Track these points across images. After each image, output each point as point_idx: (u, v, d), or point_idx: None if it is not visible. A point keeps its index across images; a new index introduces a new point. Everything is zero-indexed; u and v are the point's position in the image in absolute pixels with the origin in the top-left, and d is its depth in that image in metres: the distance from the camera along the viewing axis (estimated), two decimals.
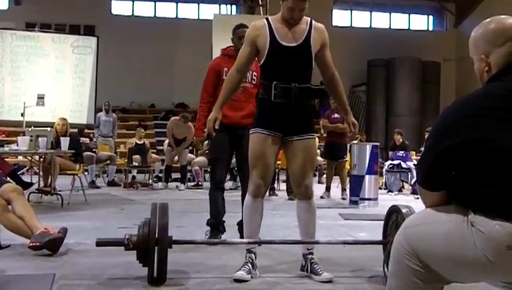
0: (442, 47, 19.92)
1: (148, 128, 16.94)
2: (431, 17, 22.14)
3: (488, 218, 1.61)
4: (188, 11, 20.37)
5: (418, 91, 18.56)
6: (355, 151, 8.16)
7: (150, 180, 10.56)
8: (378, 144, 8.71)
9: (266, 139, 3.37)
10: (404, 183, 10.69)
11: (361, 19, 21.51)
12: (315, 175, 11.93)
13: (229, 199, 4.78)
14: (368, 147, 8.09)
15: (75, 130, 10.46)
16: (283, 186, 10.17)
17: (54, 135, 7.75)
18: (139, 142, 11.06)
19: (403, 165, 10.49)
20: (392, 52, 18.58)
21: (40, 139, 6.67)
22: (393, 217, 3.43)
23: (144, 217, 3.24)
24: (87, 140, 11.45)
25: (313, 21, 3.43)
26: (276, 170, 9.84)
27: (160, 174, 11.22)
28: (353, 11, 21.45)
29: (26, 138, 6.77)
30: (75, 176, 7.73)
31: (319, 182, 11.74)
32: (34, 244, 3.89)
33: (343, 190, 8.88)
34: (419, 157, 2.17)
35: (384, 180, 10.58)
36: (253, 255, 3.43)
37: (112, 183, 10.59)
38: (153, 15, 20.18)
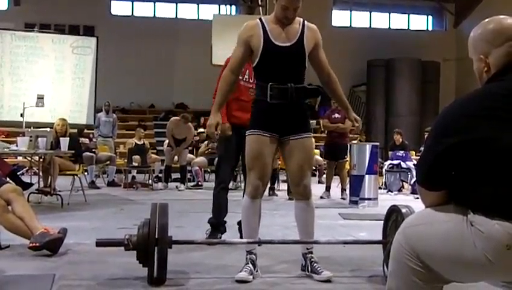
0: (441, 47, 19.92)
1: (148, 128, 16.94)
2: (430, 17, 22.14)
3: (488, 218, 1.61)
4: (187, 12, 20.37)
5: (417, 91, 18.57)
6: (355, 151, 8.16)
7: (150, 181, 10.56)
8: (377, 143, 8.71)
9: (263, 140, 3.37)
10: (403, 183, 10.69)
11: (360, 19, 21.51)
12: (315, 175, 11.94)
13: (229, 199, 4.78)
14: (368, 147, 8.09)
15: (75, 131, 10.45)
16: (283, 186, 10.17)
17: (54, 135, 7.76)
18: (138, 142, 11.06)
19: (403, 165, 10.50)
20: (392, 52, 18.59)
21: (39, 139, 6.67)
22: (393, 217, 3.44)
23: (144, 218, 3.24)
24: (86, 140, 11.46)
25: (306, 21, 3.42)
26: (276, 170, 9.84)
27: (160, 175, 11.22)
28: (353, 12, 21.45)
29: (25, 138, 6.77)
30: (75, 177, 7.74)
31: (319, 182, 11.75)
32: (33, 244, 3.89)
33: (343, 189, 8.88)
34: (418, 157, 2.17)
35: (384, 180, 10.59)
36: (253, 256, 3.43)
37: (111, 184, 10.59)
38: (152, 15, 20.18)
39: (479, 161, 1.66)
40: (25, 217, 4.04)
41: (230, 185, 9.76)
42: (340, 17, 21.12)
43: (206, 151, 11.19)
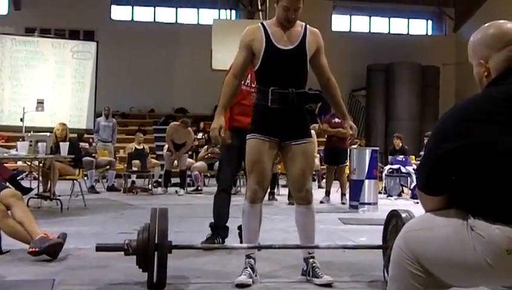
0: (441, 52, 19.94)
1: (148, 133, 16.95)
2: (430, 21, 22.17)
3: (488, 222, 1.61)
4: (187, 16, 20.40)
5: (417, 95, 18.57)
6: (355, 156, 8.16)
7: (150, 185, 10.55)
8: (377, 148, 8.71)
9: (263, 144, 3.36)
10: (403, 187, 10.68)
11: (360, 23, 21.54)
12: (314, 180, 11.93)
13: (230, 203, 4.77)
14: (368, 152, 8.09)
15: (75, 135, 10.45)
16: (283, 191, 10.17)
17: (54, 140, 7.75)
18: (138, 147, 11.06)
19: (403, 169, 10.50)
20: (392, 56, 18.61)
21: (39, 144, 6.67)
22: (393, 222, 3.43)
23: (144, 222, 3.24)
24: (86, 145, 11.45)
25: (308, 25, 3.42)
26: (277, 175, 9.84)
27: (160, 179, 11.22)
28: (352, 16, 21.48)
29: (25, 143, 6.76)
30: (75, 181, 7.73)
31: (319, 186, 11.74)
32: (33, 249, 3.89)
33: (343, 194, 8.87)
34: (418, 162, 2.17)
35: (383, 185, 10.58)
36: (252, 260, 3.42)
37: (111, 189, 10.58)
38: (152, 20, 20.22)
39: (479, 165, 1.66)
40: (25, 222, 4.03)
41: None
42: (340, 22, 21.15)
43: (205, 156, 11.20)
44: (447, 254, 1.68)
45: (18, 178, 9.04)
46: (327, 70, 3.49)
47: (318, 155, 11.78)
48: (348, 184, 8.69)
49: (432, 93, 18.92)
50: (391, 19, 21.77)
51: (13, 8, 18.60)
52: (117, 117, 15.53)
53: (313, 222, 3.50)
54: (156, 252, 3.06)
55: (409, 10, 21.48)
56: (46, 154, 6.74)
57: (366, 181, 7.88)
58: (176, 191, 10.25)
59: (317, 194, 8.81)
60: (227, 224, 4.64)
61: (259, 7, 15.30)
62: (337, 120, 8.75)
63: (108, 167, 10.89)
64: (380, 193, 9.35)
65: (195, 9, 20.41)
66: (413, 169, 10.09)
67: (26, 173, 10.99)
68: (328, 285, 3.32)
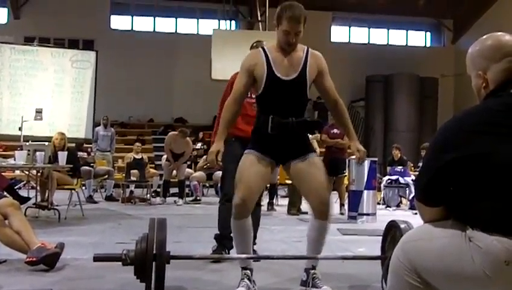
0: (440, 63, 20.01)
1: (147, 142, 16.94)
2: (429, 33, 22.26)
3: (486, 233, 1.62)
4: (187, 26, 20.46)
5: (416, 107, 18.61)
6: (354, 167, 8.15)
7: (148, 195, 10.53)
8: (376, 159, 8.71)
9: (259, 163, 3.33)
10: (402, 198, 10.69)
11: (359, 35, 21.62)
12: None
13: None
14: (366, 163, 8.07)
15: (73, 145, 10.45)
16: (282, 201, 10.16)
17: (52, 149, 7.75)
18: (137, 156, 11.05)
19: (401, 180, 10.50)
20: (391, 68, 18.66)
21: (37, 153, 6.66)
22: (392, 233, 3.42)
23: (142, 233, 3.22)
24: (85, 154, 11.44)
25: (310, 49, 3.40)
26: (275, 186, 9.83)
27: (158, 189, 11.20)
28: (351, 27, 21.57)
29: (23, 152, 6.75)
30: (73, 191, 7.71)
31: None
32: (30, 259, 3.87)
33: (342, 205, 8.87)
34: (417, 173, 2.17)
35: (382, 196, 10.57)
36: (249, 271, 3.40)
37: (109, 198, 10.56)
38: (152, 30, 20.28)
39: (477, 176, 1.66)
40: (22, 231, 4.02)
41: None
42: (339, 33, 21.23)
43: (204, 166, 11.17)
44: (445, 264, 1.68)
45: (16, 187, 9.02)
46: (333, 93, 3.44)
47: None
48: (346, 195, 8.68)
49: (430, 104, 18.96)
50: (390, 30, 21.85)
51: (13, 17, 18.66)
52: (116, 126, 15.54)
53: (325, 238, 3.45)
54: (154, 263, 3.05)
55: (408, 22, 21.57)
56: (44, 163, 6.73)
57: (365, 192, 7.87)
58: (175, 201, 10.23)
59: None
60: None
61: (259, 18, 15.39)
62: (335, 131, 8.76)
63: (106, 176, 10.87)
64: (378, 203, 9.34)
65: (195, 20, 20.47)
66: (412, 180, 10.09)
67: (24, 182, 10.96)
68: None
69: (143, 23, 20.29)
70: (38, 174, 7.28)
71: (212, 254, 4.42)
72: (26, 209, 6.75)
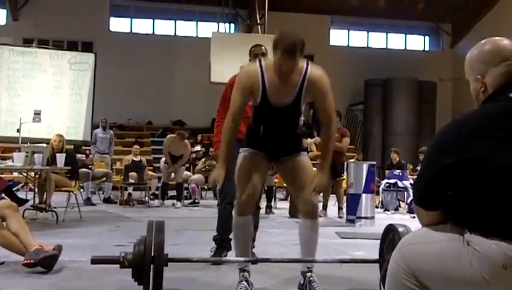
0: (438, 67, 20.06)
1: (145, 145, 16.93)
2: (427, 37, 22.32)
3: (484, 237, 1.62)
4: (186, 29, 20.48)
5: (414, 111, 18.66)
6: (352, 170, 8.16)
7: (146, 198, 10.53)
8: (374, 162, 8.70)
9: (254, 158, 3.38)
10: (400, 202, 10.69)
11: (358, 38, 21.67)
12: None
13: None
14: (365, 166, 8.09)
15: (72, 147, 10.43)
16: (280, 204, 10.15)
17: (50, 151, 7.73)
18: (135, 159, 11.03)
19: (400, 184, 10.50)
20: (389, 71, 18.70)
21: (35, 155, 6.65)
22: (390, 236, 3.42)
23: (140, 235, 3.22)
24: (83, 157, 11.43)
25: (309, 69, 3.23)
26: (273, 188, 9.84)
27: (157, 192, 11.19)
28: (350, 31, 21.61)
29: (21, 154, 6.74)
30: (71, 193, 7.70)
31: None
32: (28, 261, 3.86)
33: (340, 208, 8.87)
34: (415, 176, 2.17)
35: (380, 199, 10.57)
36: (246, 273, 3.40)
37: (107, 201, 10.55)
38: (151, 32, 20.30)
39: (475, 180, 1.66)
40: (20, 233, 4.01)
41: None
42: (338, 37, 21.27)
43: (203, 169, 11.19)
44: (443, 268, 1.68)
45: (14, 189, 9.00)
46: (329, 115, 3.34)
47: (315, 169, 11.77)
48: (345, 198, 8.68)
49: (428, 108, 19.00)
50: (389, 34, 21.91)
51: (11, 19, 18.66)
52: (114, 129, 15.52)
53: (316, 238, 3.47)
54: (152, 265, 3.04)
55: (407, 26, 21.63)
56: (42, 165, 6.72)
57: (363, 195, 7.87)
58: (173, 204, 10.22)
59: None
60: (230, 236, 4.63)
61: (258, 21, 15.39)
62: None
63: (104, 178, 10.87)
64: (376, 207, 9.34)
65: (194, 22, 20.49)
66: (410, 183, 10.10)
67: (22, 184, 10.95)
68: None
69: (142, 26, 20.32)
70: (37, 176, 7.27)
71: (211, 257, 4.42)
72: (24, 211, 6.73)
